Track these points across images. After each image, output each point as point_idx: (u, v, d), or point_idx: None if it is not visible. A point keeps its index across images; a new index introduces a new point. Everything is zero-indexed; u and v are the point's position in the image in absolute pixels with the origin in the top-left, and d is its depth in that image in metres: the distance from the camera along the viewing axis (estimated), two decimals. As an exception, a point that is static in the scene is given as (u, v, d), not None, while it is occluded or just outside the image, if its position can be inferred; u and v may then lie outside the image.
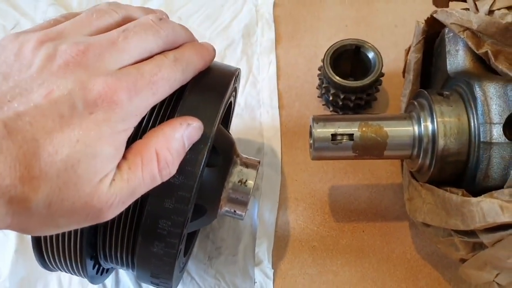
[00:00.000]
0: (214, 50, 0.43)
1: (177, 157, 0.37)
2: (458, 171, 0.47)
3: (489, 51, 0.46)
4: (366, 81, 0.59)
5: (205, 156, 0.38)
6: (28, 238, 0.58)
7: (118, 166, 0.35)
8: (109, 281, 0.56)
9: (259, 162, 0.48)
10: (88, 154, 0.32)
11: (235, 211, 0.46)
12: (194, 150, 0.38)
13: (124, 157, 0.35)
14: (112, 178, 0.34)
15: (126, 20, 0.39)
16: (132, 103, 0.34)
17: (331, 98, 0.62)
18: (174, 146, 0.37)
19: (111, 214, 0.35)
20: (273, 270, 0.56)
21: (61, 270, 0.45)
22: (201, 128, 0.39)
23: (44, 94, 0.32)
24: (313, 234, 0.58)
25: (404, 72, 0.57)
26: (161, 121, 0.39)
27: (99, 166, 0.33)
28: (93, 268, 0.44)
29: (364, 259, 0.57)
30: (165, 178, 0.37)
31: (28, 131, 0.31)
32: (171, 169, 0.37)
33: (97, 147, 0.32)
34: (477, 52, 0.47)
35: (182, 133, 0.37)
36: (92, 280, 0.46)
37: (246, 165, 0.47)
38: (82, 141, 0.32)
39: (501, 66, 0.46)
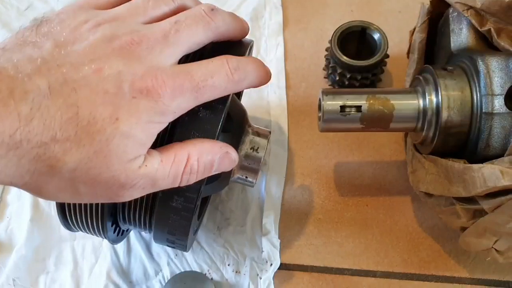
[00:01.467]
0: (270, 75, 0.43)
1: (201, 172, 0.39)
2: (460, 142, 0.49)
3: (492, 29, 0.48)
4: (372, 60, 0.61)
5: (223, 117, 0.40)
6: (43, 207, 0.60)
7: (153, 156, 0.36)
8: (121, 249, 0.57)
9: (270, 132, 0.50)
10: (123, 134, 0.33)
11: (246, 177, 0.48)
12: (213, 110, 0.39)
13: (160, 151, 0.37)
14: (144, 163, 0.35)
15: (180, 9, 0.39)
16: (173, 102, 0.35)
17: (337, 78, 0.64)
18: (203, 160, 0.38)
19: (128, 195, 0.36)
20: (279, 240, 0.58)
21: (81, 230, 0.47)
22: (235, 161, 0.41)
23: (94, 68, 0.33)
24: (319, 207, 0.60)
25: (408, 52, 0.59)
26: None
27: (130, 147, 0.34)
28: (112, 226, 0.46)
29: (368, 231, 0.59)
30: (183, 183, 0.38)
31: (71, 97, 0.32)
32: (191, 179, 0.38)
33: (133, 130, 0.34)
34: (480, 30, 0.49)
35: (218, 155, 0.39)
36: (111, 241, 0.48)
37: (258, 134, 0.49)
38: (121, 120, 0.33)
39: (503, 43, 0.48)
